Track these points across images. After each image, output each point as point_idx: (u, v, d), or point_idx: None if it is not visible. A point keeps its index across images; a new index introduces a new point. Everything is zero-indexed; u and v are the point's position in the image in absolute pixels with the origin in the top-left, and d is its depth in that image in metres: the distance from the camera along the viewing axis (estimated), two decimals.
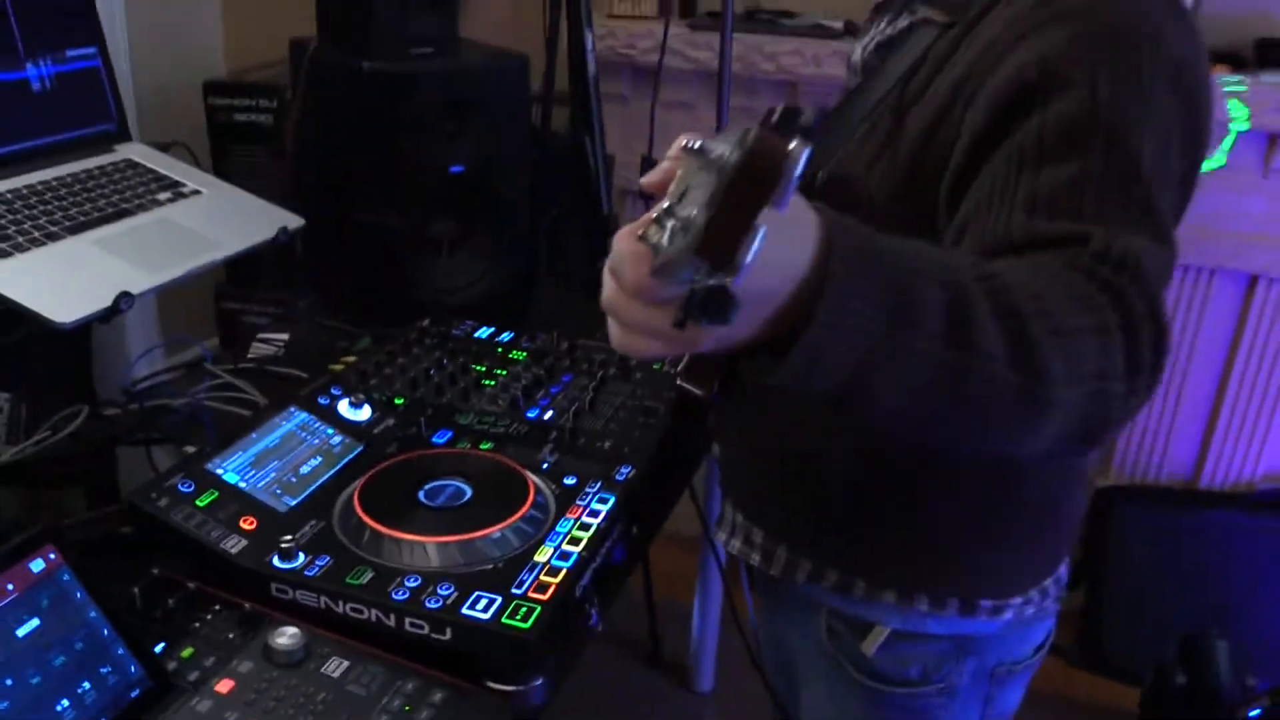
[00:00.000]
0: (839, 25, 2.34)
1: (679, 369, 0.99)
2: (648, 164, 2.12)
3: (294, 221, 1.46)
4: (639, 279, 0.55)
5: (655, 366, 1.44)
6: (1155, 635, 2.28)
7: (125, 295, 1.13)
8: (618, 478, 1.16)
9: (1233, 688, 1.98)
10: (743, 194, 0.51)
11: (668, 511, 1.37)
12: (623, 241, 0.57)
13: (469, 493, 1.09)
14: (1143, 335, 0.70)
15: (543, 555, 1.02)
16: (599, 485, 1.14)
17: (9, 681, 0.77)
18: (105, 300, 1.13)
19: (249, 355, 1.57)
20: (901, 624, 1.10)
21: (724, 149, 0.52)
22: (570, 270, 2.11)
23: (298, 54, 1.65)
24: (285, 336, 1.64)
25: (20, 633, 0.80)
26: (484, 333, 1.51)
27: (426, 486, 1.09)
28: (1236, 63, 2.24)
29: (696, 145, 0.54)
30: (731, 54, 2.05)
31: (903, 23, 1.02)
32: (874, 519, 1.09)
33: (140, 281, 1.19)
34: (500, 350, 1.45)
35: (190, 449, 1.26)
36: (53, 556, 0.83)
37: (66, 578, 0.84)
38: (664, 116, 2.28)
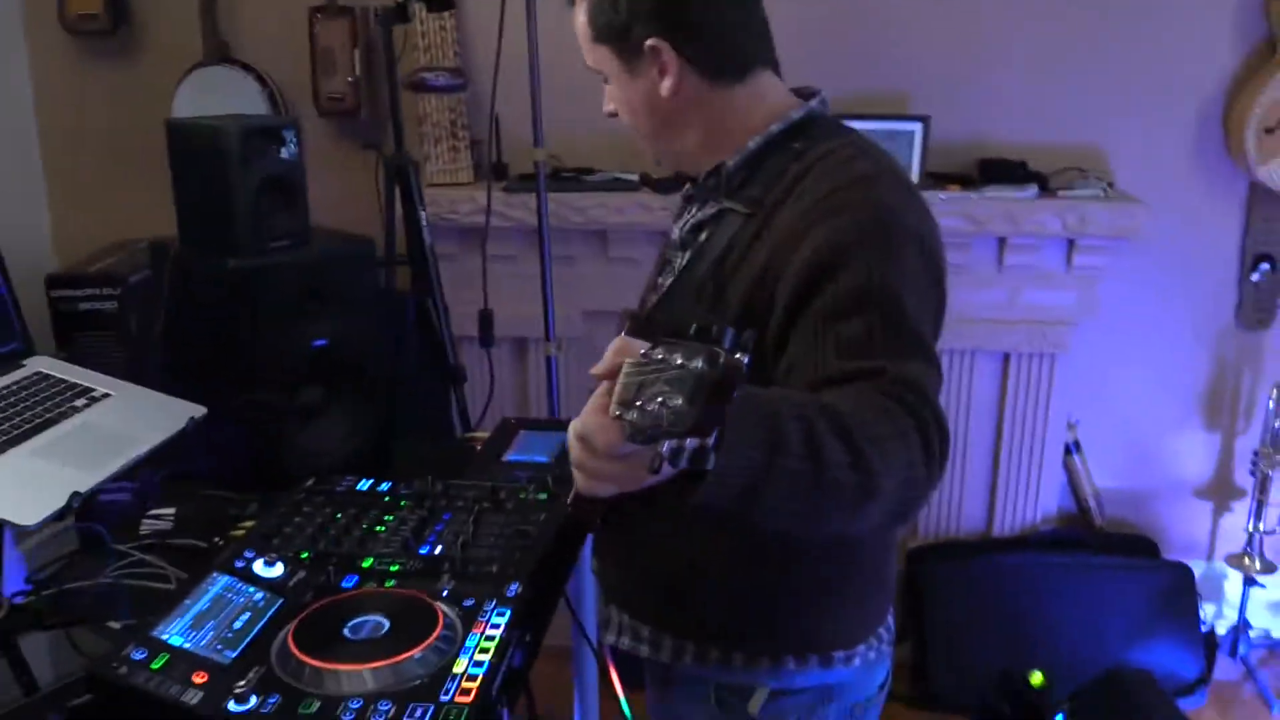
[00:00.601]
0: (635, 178, 2.67)
1: (570, 504, 1.23)
2: (485, 317, 2.37)
3: (199, 410, 1.62)
4: (611, 444, 0.85)
5: (521, 496, 1.66)
6: (975, 668, 2.59)
7: (76, 494, 1.28)
8: (509, 594, 1.37)
9: (1045, 711, 2.29)
10: (715, 393, 0.78)
11: (549, 618, 1.57)
12: (594, 417, 0.86)
13: (387, 624, 1.27)
14: (930, 432, 1.00)
15: (459, 667, 1.21)
16: (494, 603, 1.34)
17: None
18: (60, 501, 1.27)
19: (142, 532, 1.70)
20: (776, 683, 1.35)
21: (694, 362, 0.79)
22: (425, 418, 2.31)
23: (159, 256, 1.83)
24: (173, 510, 1.77)
25: None
26: (364, 485, 1.69)
27: (350, 623, 1.27)
28: (965, 182, 2.69)
29: (656, 354, 0.82)
30: (547, 210, 2.33)
31: (710, 210, 1.33)
32: (742, 602, 1.35)
33: (85, 481, 1.34)
34: (385, 499, 1.63)
35: (115, 624, 1.39)
36: None
37: None
38: (491, 269, 2.54)
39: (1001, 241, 2.67)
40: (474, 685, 1.17)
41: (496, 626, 1.29)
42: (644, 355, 0.82)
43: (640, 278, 2.80)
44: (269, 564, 1.39)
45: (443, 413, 2.25)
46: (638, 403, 0.80)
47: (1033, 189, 2.63)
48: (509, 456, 1.91)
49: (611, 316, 2.74)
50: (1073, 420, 2.92)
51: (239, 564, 1.39)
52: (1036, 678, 2.40)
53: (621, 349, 0.88)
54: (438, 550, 1.48)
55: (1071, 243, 2.67)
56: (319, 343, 1.83)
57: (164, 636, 1.22)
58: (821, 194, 1.19)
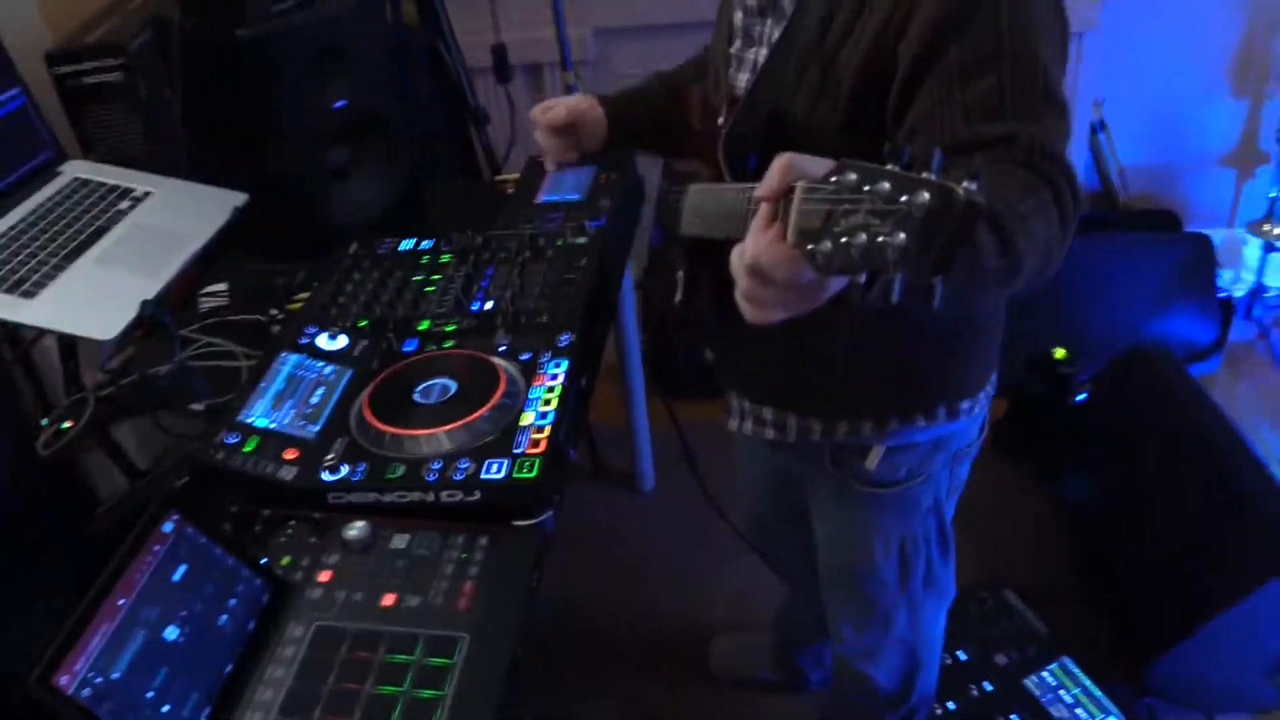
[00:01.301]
0: None
1: (677, 302, 1.26)
2: (499, 52, 2.31)
3: (239, 198, 1.64)
4: (794, 276, 0.79)
5: (559, 242, 1.70)
6: (1008, 354, 2.69)
7: (146, 302, 1.34)
8: (561, 344, 1.44)
9: (1070, 380, 2.40)
10: (956, 234, 0.69)
11: (601, 359, 1.66)
12: (773, 247, 0.79)
13: (454, 387, 1.35)
14: (1066, 201, 0.97)
15: (527, 420, 1.30)
16: (549, 354, 1.42)
17: (184, 613, 1.03)
18: (132, 310, 1.33)
19: (201, 310, 1.77)
20: (895, 441, 1.38)
21: (919, 195, 0.68)
22: (445, 163, 2.31)
23: (161, 33, 1.78)
24: (225, 286, 1.83)
25: (175, 578, 1.05)
26: (406, 245, 1.73)
27: (419, 388, 1.35)
28: None
29: (848, 178, 0.72)
30: None
31: None
32: (870, 371, 1.33)
33: (149, 287, 1.40)
34: (426, 259, 1.68)
35: (197, 405, 1.49)
36: (176, 518, 1.08)
37: (189, 530, 1.09)
38: None
39: None
40: (542, 436, 1.27)
41: (555, 377, 1.37)
42: (830, 181, 0.74)
43: None
44: (332, 337, 1.47)
45: (469, 156, 2.25)
46: (833, 234, 0.73)
47: None
48: (542, 197, 1.92)
49: (626, 33, 2.65)
50: (1099, 99, 2.87)
51: (303, 340, 1.46)
52: (1059, 352, 2.50)
53: (788, 168, 0.79)
54: (489, 305, 1.54)
55: None
56: (339, 104, 1.81)
57: (249, 420, 1.31)
58: None
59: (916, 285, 0.72)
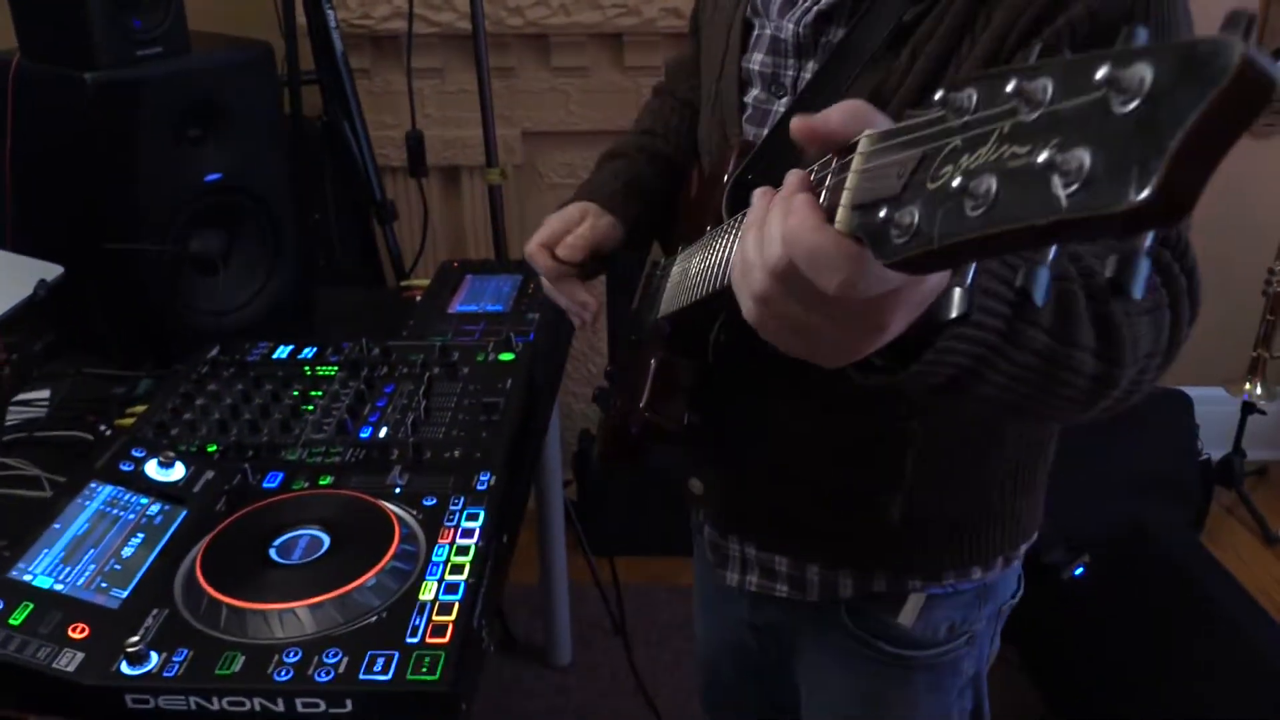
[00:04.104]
0: None
1: (643, 403, 0.92)
2: (414, 141, 2.00)
3: (52, 271, 1.26)
4: (854, 280, 0.47)
5: (480, 357, 1.36)
6: None
7: None
8: (479, 488, 1.09)
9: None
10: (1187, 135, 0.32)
11: (524, 507, 1.30)
12: (810, 233, 0.48)
13: (326, 541, 0.98)
14: (1182, 312, 0.71)
15: (428, 592, 0.93)
16: (462, 501, 1.06)
17: None
18: None
19: (7, 423, 1.37)
20: (937, 588, 1.04)
21: (1109, 69, 0.33)
22: (341, 266, 1.96)
23: None
24: (47, 393, 1.44)
25: None
26: (282, 352, 1.38)
27: (276, 542, 0.98)
28: None
29: (969, 95, 0.39)
30: (482, 10, 1.94)
31: None
32: (942, 518, 1.00)
33: None
34: (307, 370, 1.32)
35: None
36: None
37: None
38: (415, 85, 2.16)
39: None
40: (449, 619, 0.90)
41: (469, 533, 1.01)
42: (927, 112, 0.42)
43: (592, 88, 2.49)
44: (165, 465, 1.08)
45: (371, 257, 1.91)
46: (925, 192, 0.40)
47: None
48: (457, 306, 1.61)
49: (559, 138, 2.39)
50: None
51: (125, 466, 1.07)
52: None
53: (858, 112, 0.51)
54: (382, 433, 1.19)
55: None
56: (212, 177, 1.47)
57: (25, 577, 0.91)
58: None
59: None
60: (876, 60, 0.82)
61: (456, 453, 1.15)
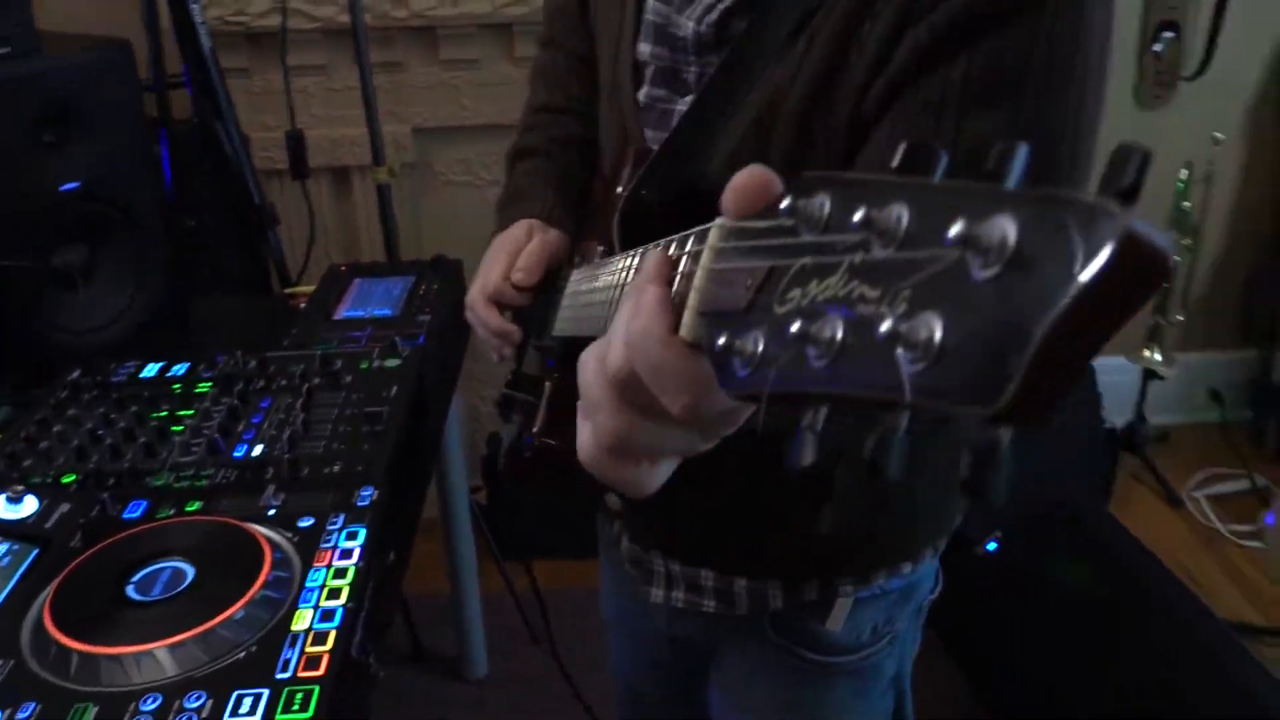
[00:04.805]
0: None
1: (536, 429, 0.86)
2: (295, 141, 1.92)
3: None
4: (699, 404, 0.42)
5: (363, 365, 1.29)
6: None
7: None
8: (360, 504, 1.02)
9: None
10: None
11: (416, 522, 1.24)
12: (654, 344, 0.43)
13: (190, 572, 0.91)
14: None
15: (301, 622, 0.87)
16: (341, 519, 1.00)
17: None
18: None
19: None
20: (866, 591, 1.00)
21: (964, 224, 0.28)
22: (225, 274, 1.87)
23: None
24: None
25: None
26: (151, 370, 1.29)
27: (135, 578, 0.90)
28: None
29: (822, 205, 0.34)
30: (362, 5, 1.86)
31: None
32: (871, 520, 0.96)
33: None
34: (177, 388, 1.24)
35: None
36: None
37: None
38: (296, 84, 2.07)
39: None
40: (325, 649, 0.84)
41: (348, 554, 0.95)
42: (779, 209, 0.36)
43: (484, 81, 2.42)
44: (13, 501, 1.00)
45: (255, 266, 1.83)
46: (771, 317, 0.35)
47: None
48: (343, 313, 1.54)
49: (452, 133, 2.32)
50: None
51: None
52: None
53: (757, 185, 0.40)
54: (256, 452, 1.12)
55: None
56: (69, 186, 1.38)
57: None
58: None
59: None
60: (780, 52, 0.76)
61: (336, 467, 1.08)
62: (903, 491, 0.94)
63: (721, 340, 0.38)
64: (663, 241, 0.51)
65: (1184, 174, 2.44)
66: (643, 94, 0.90)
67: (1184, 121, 2.58)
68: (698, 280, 0.42)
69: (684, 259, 0.46)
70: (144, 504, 1.03)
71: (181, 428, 1.16)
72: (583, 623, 2.17)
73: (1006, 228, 0.26)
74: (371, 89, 1.91)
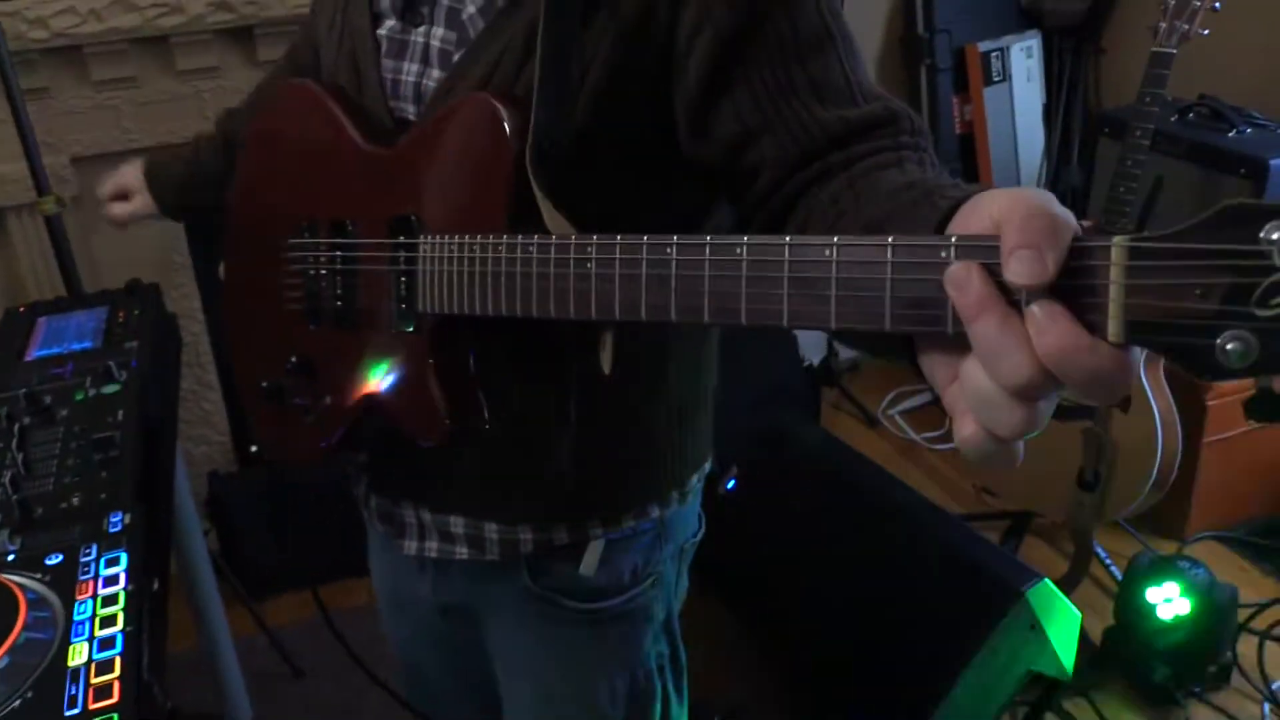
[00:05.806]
0: None
1: (444, 414, 0.83)
2: None
3: None
4: (1128, 388, 0.49)
5: (79, 396, 1.19)
6: None
7: None
8: (113, 529, 0.95)
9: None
10: None
11: (169, 543, 1.17)
12: (1102, 359, 0.47)
13: None
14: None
15: (79, 656, 0.80)
16: (95, 548, 0.93)
17: None
18: None
19: None
20: (616, 533, 1.02)
21: None
22: None
23: None
24: None
25: None
26: None
27: None
28: None
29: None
30: None
31: None
32: (612, 462, 1.00)
33: None
34: None
35: None
36: None
37: None
38: None
39: None
40: (113, 676, 0.78)
41: (114, 579, 0.89)
42: (1198, 228, 0.45)
43: (145, 100, 2.25)
44: None
45: None
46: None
47: None
48: (34, 353, 1.40)
49: (115, 160, 2.13)
50: None
51: None
52: None
53: (1043, 222, 0.48)
54: None
55: None
56: None
57: None
58: None
59: None
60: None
61: (75, 500, 1.00)
62: (638, 432, 1.01)
63: (1187, 330, 0.45)
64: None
65: None
66: (388, 70, 0.91)
67: None
68: (1113, 294, 0.47)
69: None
70: None
71: None
72: (339, 647, 2.09)
73: None
74: (26, 117, 1.74)
